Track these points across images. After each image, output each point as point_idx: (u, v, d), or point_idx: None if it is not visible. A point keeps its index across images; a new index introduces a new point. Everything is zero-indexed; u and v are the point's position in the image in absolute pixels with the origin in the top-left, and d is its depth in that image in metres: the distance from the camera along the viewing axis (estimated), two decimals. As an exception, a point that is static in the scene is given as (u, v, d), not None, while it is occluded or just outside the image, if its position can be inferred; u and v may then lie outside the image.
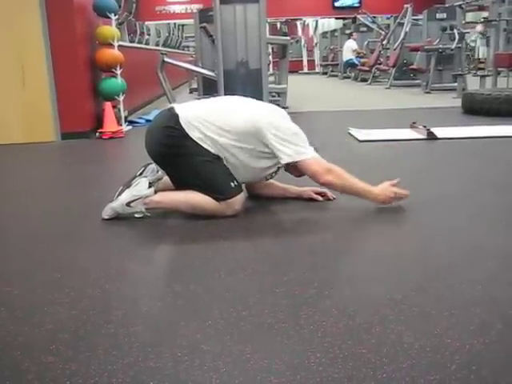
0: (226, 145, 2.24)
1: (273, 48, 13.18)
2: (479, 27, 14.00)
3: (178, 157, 2.27)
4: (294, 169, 2.36)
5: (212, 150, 2.25)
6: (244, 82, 5.98)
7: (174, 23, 15.80)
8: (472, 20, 13.93)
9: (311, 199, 2.50)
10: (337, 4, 20.08)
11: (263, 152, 2.27)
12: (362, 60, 12.82)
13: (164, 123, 2.32)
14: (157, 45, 11.82)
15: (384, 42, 11.53)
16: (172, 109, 2.34)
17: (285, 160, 2.24)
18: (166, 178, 2.43)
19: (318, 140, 2.55)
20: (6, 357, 1.26)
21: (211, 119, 2.26)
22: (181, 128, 2.24)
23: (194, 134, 2.24)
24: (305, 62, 20.80)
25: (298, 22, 21.59)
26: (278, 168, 2.38)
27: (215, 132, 2.24)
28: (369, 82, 11.62)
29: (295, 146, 2.23)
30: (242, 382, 1.13)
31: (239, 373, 1.16)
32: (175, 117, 2.27)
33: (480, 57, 15.40)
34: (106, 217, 2.31)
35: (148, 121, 5.37)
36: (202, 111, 2.32)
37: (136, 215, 2.30)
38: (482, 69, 10.86)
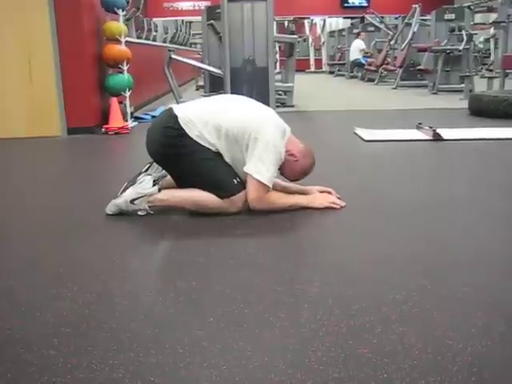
0: (216, 145, 2.25)
1: (280, 46, 13.16)
2: (493, 29, 13.88)
3: (180, 156, 2.27)
4: (286, 174, 2.40)
5: (212, 148, 2.26)
6: (250, 79, 5.98)
7: (182, 20, 15.79)
8: (480, 21, 13.83)
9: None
10: (345, 3, 20.07)
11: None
12: (370, 60, 12.78)
13: (163, 124, 2.33)
14: (164, 41, 11.83)
15: (392, 42, 11.50)
16: (171, 109, 2.34)
17: (245, 168, 2.24)
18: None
19: (323, 139, 2.54)
20: (8, 350, 1.27)
21: (206, 118, 2.26)
22: (180, 128, 2.25)
23: (194, 133, 2.24)
24: (312, 61, 20.71)
25: (306, 21, 21.53)
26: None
27: (209, 131, 2.24)
28: (375, 82, 11.59)
29: (261, 165, 2.21)
30: (243, 380, 1.13)
31: (240, 370, 1.16)
32: (174, 117, 2.27)
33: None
34: (110, 213, 2.32)
35: (154, 117, 5.37)
36: (200, 110, 2.32)
37: (139, 213, 2.30)
38: (491, 70, 10.79)
